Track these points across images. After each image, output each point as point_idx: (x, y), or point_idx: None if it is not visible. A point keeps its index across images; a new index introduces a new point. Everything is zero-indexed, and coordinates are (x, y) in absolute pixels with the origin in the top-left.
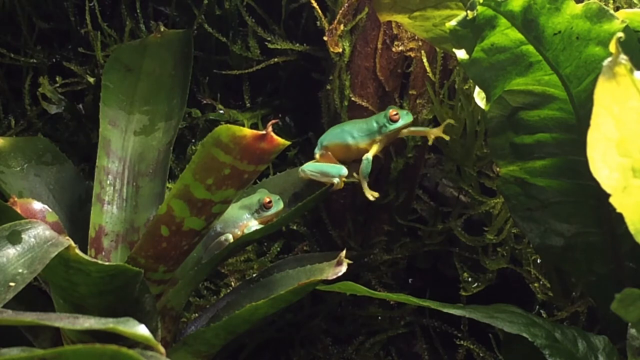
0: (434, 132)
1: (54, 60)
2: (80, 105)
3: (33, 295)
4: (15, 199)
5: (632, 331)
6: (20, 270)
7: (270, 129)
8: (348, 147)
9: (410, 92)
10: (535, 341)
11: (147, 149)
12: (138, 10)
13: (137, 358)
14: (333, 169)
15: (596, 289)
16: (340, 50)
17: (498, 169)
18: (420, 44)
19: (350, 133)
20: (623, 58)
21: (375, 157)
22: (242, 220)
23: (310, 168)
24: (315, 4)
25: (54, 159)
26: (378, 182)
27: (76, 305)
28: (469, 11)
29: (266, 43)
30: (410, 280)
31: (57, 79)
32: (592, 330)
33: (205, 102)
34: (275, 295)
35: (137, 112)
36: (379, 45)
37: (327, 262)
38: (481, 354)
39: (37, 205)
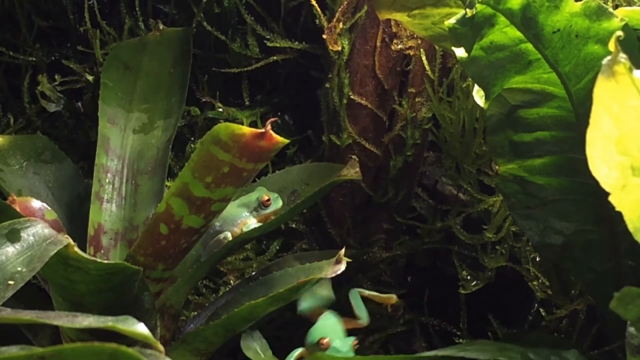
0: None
1: (52, 58)
2: (79, 103)
3: (32, 294)
4: (14, 197)
5: (631, 329)
6: (19, 269)
7: (269, 127)
8: None
9: (410, 90)
10: None
11: (146, 147)
12: (137, 9)
13: (136, 356)
14: None
15: (595, 287)
16: (340, 48)
17: (497, 167)
18: (419, 42)
19: None
20: (622, 57)
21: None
22: (241, 218)
23: None
24: (314, 2)
25: (53, 157)
26: (377, 180)
27: (75, 303)
28: (468, 9)
29: (265, 41)
30: (409, 278)
31: (56, 77)
32: (591, 329)
33: (204, 100)
34: (274, 293)
35: (136, 110)
36: (378, 44)
37: (326, 260)
38: None
39: (36, 204)
